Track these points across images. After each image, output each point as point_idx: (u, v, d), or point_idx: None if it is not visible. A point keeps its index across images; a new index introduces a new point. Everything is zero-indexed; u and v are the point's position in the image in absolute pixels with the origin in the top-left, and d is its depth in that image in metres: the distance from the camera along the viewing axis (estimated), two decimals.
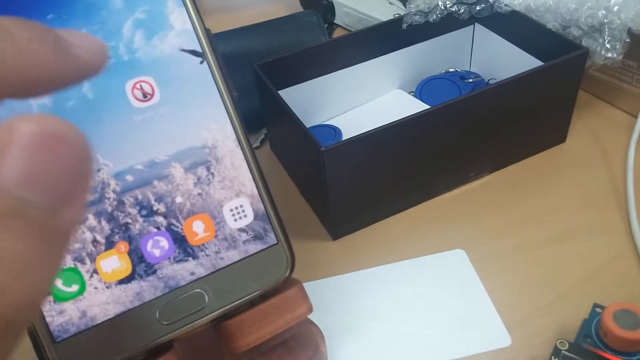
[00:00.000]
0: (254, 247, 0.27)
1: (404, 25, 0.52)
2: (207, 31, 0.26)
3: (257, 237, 0.27)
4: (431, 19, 0.52)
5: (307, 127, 0.53)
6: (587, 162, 0.49)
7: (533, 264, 0.41)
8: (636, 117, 0.49)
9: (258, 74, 0.47)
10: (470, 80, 0.56)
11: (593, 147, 0.50)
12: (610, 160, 0.48)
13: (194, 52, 0.25)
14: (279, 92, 0.50)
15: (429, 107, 0.53)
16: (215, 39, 0.26)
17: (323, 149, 0.38)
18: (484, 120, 0.45)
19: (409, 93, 0.57)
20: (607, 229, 0.43)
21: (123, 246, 0.24)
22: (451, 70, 0.59)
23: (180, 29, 0.25)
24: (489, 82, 0.57)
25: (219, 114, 0.26)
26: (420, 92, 0.57)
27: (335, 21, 0.74)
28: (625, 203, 0.44)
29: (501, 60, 0.55)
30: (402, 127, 0.41)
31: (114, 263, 0.24)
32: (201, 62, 0.26)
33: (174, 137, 0.25)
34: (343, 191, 0.42)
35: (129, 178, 0.24)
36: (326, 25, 0.74)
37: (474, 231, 0.44)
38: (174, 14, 0.25)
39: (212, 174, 0.26)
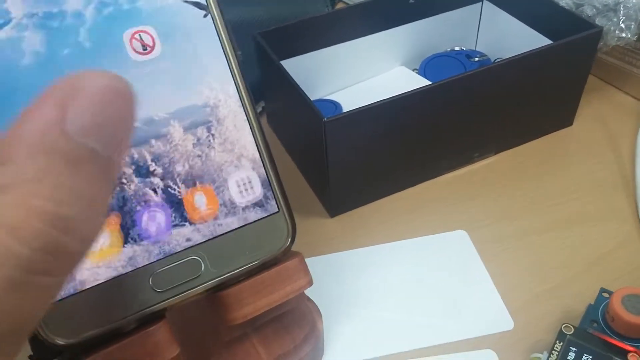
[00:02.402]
0: (254, 215, 0.26)
1: (411, 0, 0.50)
2: None
3: (257, 205, 0.26)
4: None
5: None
6: (594, 147, 0.48)
7: (537, 248, 0.40)
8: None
9: (259, 43, 0.45)
10: (477, 59, 0.55)
11: (601, 132, 0.49)
12: (618, 146, 0.47)
13: (197, 4, 0.24)
14: (283, 61, 0.49)
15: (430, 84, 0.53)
16: None
17: (325, 119, 0.37)
18: (490, 99, 0.44)
19: (413, 70, 0.56)
20: (613, 214, 0.42)
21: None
22: (457, 48, 0.57)
23: None
24: (496, 61, 0.55)
25: (222, 72, 0.24)
26: (424, 70, 0.55)
27: None
28: (632, 189, 0.43)
29: (509, 39, 0.54)
30: (406, 101, 0.40)
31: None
32: (205, 16, 0.24)
33: (174, 94, 0.23)
34: (344, 166, 0.41)
35: None
36: None
37: (477, 213, 0.43)
38: None
39: (213, 135, 0.24)
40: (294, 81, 0.41)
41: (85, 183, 0.13)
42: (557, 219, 0.42)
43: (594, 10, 0.46)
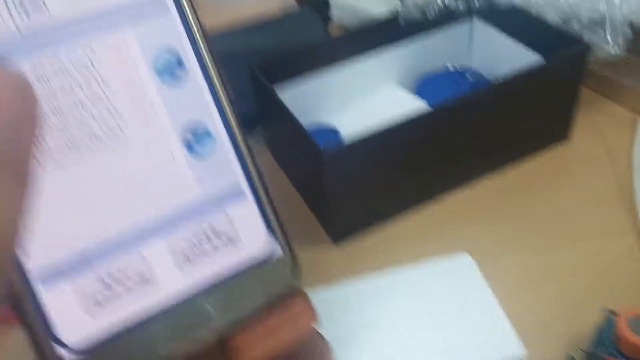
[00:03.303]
0: (258, 258, 0.26)
1: (402, 21, 0.51)
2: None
3: (260, 247, 0.26)
4: (428, 15, 0.50)
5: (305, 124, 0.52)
6: (591, 161, 0.48)
7: (541, 269, 0.40)
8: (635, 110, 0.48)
9: (254, 72, 0.46)
10: (470, 77, 0.55)
11: (598, 145, 0.49)
12: (616, 159, 0.48)
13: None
14: (279, 89, 0.49)
15: (427, 104, 0.53)
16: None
17: (323, 151, 0.37)
18: (486, 119, 0.44)
19: (408, 90, 0.56)
20: (615, 229, 0.42)
21: None
22: (450, 66, 0.58)
23: None
24: (489, 78, 0.56)
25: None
26: (419, 89, 0.55)
27: (330, 16, 0.72)
28: (631, 202, 0.43)
29: (501, 55, 0.54)
30: (403, 127, 0.40)
31: None
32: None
33: None
34: (343, 194, 0.41)
35: None
36: (324, 21, 0.72)
37: (479, 234, 0.43)
38: None
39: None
40: (290, 111, 0.41)
41: None
42: (559, 237, 0.42)
43: (581, 24, 0.46)
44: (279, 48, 0.53)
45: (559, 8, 0.47)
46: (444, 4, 0.51)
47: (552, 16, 0.48)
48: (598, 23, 0.46)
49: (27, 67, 0.21)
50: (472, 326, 0.36)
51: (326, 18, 0.72)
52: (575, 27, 0.47)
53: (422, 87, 0.55)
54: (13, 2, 0.21)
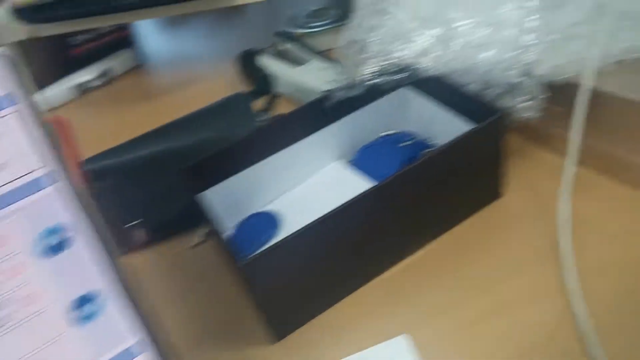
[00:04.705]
0: None
1: (328, 104, 0.52)
2: None
3: None
4: (353, 94, 0.52)
5: (246, 216, 0.54)
6: (524, 216, 0.49)
7: (476, 341, 0.41)
8: (566, 157, 0.48)
9: (180, 177, 0.47)
10: (407, 144, 0.56)
11: (530, 198, 0.50)
12: (547, 212, 0.48)
13: None
14: (213, 188, 0.51)
15: (367, 176, 0.54)
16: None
17: (242, 264, 0.38)
18: (420, 191, 0.45)
19: (349, 163, 0.58)
20: (548, 293, 0.42)
21: None
22: (389, 132, 0.59)
23: None
24: (426, 141, 0.57)
25: None
26: (358, 162, 0.57)
27: (274, 91, 0.74)
28: (559, 262, 0.44)
29: (432, 120, 0.56)
30: (329, 220, 0.41)
31: None
32: None
33: None
34: (272, 296, 0.41)
35: None
36: (267, 96, 0.74)
37: (418, 310, 0.44)
38: None
39: None
40: (212, 219, 0.42)
41: None
42: (493, 305, 0.43)
43: (498, 91, 0.48)
44: (213, 141, 0.55)
45: (476, 76, 0.49)
46: (370, 82, 0.53)
47: (472, 84, 0.50)
48: (513, 89, 0.47)
49: None
50: None
51: (272, 94, 0.74)
52: (496, 92, 0.49)
53: (361, 159, 0.57)
54: None
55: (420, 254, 0.48)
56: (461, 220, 0.50)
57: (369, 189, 0.42)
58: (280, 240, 0.39)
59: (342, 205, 0.41)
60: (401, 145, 0.56)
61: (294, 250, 0.40)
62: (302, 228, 0.40)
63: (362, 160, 0.57)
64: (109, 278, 0.26)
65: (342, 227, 0.42)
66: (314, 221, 0.40)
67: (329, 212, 0.40)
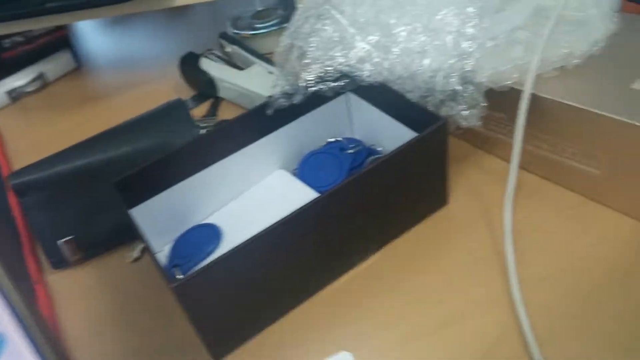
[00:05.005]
0: None
1: (269, 111, 0.51)
2: None
3: None
4: (295, 101, 0.50)
5: (187, 229, 0.52)
6: (470, 224, 0.48)
7: (422, 355, 0.40)
8: (511, 163, 0.48)
9: (114, 191, 0.45)
10: (351, 151, 0.55)
11: (475, 205, 0.50)
12: (492, 219, 0.48)
13: None
14: (150, 200, 0.48)
15: (311, 184, 0.53)
16: None
17: (173, 285, 0.36)
18: (364, 200, 0.44)
19: (293, 171, 0.56)
20: (492, 302, 0.42)
21: None
22: (333, 140, 0.58)
23: None
24: (372, 147, 0.56)
25: None
26: (302, 170, 0.55)
27: (218, 95, 0.72)
28: (503, 271, 0.44)
29: (377, 127, 0.55)
30: (269, 234, 0.39)
31: None
32: None
33: None
34: (208, 316, 0.40)
35: None
36: (211, 100, 0.72)
37: (362, 325, 0.42)
38: None
39: None
40: (144, 236, 0.40)
41: None
42: (439, 316, 0.42)
43: (438, 99, 0.47)
44: (151, 150, 0.52)
45: (418, 83, 0.48)
46: (311, 89, 0.51)
47: (414, 91, 0.49)
48: (454, 96, 0.47)
49: None
50: None
51: (215, 97, 0.72)
52: (435, 100, 0.48)
53: (304, 167, 0.55)
54: None
55: (364, 265, 0.47)
56: (407, 229, 0.49)
57: (313, 200, 0.40)
58: (216, 259, 0.37)
59: (285, 218, 0.39)
60: (346, 152, 0.55)
61: (231, 268, 0.39)
62: (241, 244, 0.38)
63: (306, 168, 0.55)
64: (11, 319, 0.24)
65: (284, 240, 0.41)
66: (253, 236, 0.38)
67: (269, 227, 0.39)
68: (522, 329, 0.39)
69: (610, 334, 0.38)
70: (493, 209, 0.49)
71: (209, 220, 0.52)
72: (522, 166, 0.52)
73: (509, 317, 0.41)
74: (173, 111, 0.56)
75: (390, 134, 0.52)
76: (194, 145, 0.49)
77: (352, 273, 0.46)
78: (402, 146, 0.43)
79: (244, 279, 0.40)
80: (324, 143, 0.57)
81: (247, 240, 0.38)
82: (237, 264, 0.39)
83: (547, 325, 0.39)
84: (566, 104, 0.45)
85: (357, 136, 0.58)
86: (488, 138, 0.54)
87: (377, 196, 0.45)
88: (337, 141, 0.57)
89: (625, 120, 0.41)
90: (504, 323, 0.40)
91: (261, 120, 0.52)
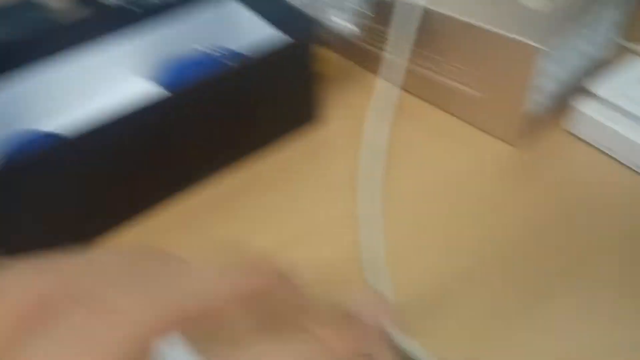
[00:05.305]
0: None
1: (137, 8, 0.43)
2: None
3: None
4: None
5: (18, 135, 0.44)
6: (338, 142, 0.45)
7: None
8: (392, 83, 0.44)
9: None
10: (218, 55, 0.49)
11: (347, 123, 0.46)
12: (362, 138, 0.44)
13: None
14: None
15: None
16: None
17: None
18: (219, 108, 0.39)
19: (151, 79, 0.49)
20: (344, 222, 0.38)
21: None
22: (201, 48, 0.51)
23: None
24: (241, 54, 0.50)
25: None
26: (160, 77, 0.49)
27: None
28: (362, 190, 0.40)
29: (252, 34, 0.49)
30: (107, 129, 0.34)
31: None
32: None
33: None
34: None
35: None
36: None
37: (211, 241, 0.38)
38: None
39: None
40: None
41: None
42: (284, 238, 0.38)
43: (322, 6, 0.42)
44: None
45: None
46: None
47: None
48: (337, 4, 0.42)
49: None
50: None
51: None
52: (318, 8, 0.43)
53: (164, 73, 0.49)
54: None
55: (217, 180, 0.42)
56: (267, 144, 0.44)
57: (156, 98, 0.35)
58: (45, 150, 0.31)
59: (123, 112, 0.34)
60: (212, 58, 0.49)
61: (63, 164, 0.33)
62: (74, 135, 0.32)
63: (164, 75, 0.49)
64: None
65: (123, 140, 0.35)
66: (89, 130, 0.33)
67: (105, 120, 0.33)
68: (369, 249, 0.36)
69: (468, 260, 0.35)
70: (365, 128, 0.45)
71: (47, 128, 0.45)
72: (405, 88, 0.48)
73: (359, 235, 0.37)
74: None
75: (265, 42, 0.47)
76: (40, 35, 0.42)
77: (204, 189, 0.41)
78: (264, 49, 0.38)
79: (78, 180, 0.34)
80: (189, 50, 0.51)
81: (87, 131, 0.33)
82: (73, 159, 0.33)
83: (396, 245, 0.37)
84: (457, 20, 0.41)
85: (231, 45, 0.52)
86: (368, 53, 0.50)
87: (233, 103, 0.40)
88: (205, 50, 0.51)
89: (514, 37, 0.38)
90: (354, 242, 0.37)
91: (125, 16, 0.45)
